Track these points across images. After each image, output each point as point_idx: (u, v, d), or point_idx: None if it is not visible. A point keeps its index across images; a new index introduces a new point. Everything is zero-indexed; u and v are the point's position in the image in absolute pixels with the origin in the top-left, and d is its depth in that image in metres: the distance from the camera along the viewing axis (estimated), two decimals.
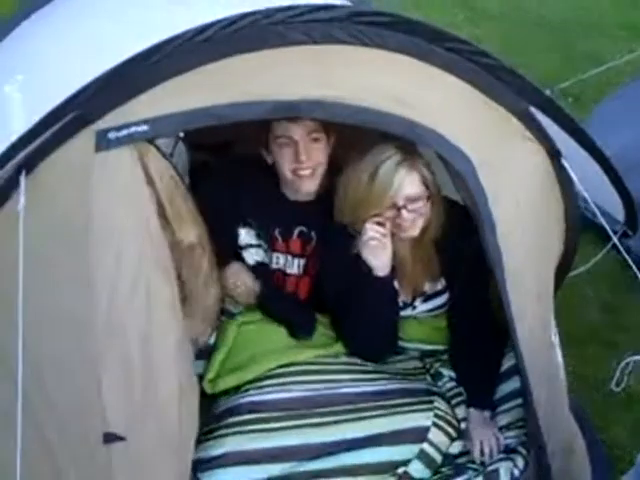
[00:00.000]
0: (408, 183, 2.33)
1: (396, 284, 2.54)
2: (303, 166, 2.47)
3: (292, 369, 2.46)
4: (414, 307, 2.60)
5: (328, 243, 2.56)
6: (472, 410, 2.41)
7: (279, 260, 2.63)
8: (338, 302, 2.53)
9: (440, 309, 2.62)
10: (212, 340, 2.50)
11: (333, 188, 2.48)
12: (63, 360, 1.94)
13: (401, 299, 2.57)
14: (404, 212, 2.34)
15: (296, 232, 2.62)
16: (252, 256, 2.62)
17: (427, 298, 2.60)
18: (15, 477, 1.83)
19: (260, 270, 2.60)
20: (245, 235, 2.61)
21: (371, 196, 2.33)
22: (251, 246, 2.63)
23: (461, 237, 2.38)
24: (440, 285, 2.59)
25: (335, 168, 2.50)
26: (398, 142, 2.29)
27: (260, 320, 2.59)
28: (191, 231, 2.20)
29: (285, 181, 2.55)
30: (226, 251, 2.56)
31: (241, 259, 2.61)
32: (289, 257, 2.64)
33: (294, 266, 2.64)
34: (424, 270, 2.55)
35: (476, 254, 2.25)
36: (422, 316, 2.63)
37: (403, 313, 2.59)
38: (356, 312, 2.48)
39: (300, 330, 2.57)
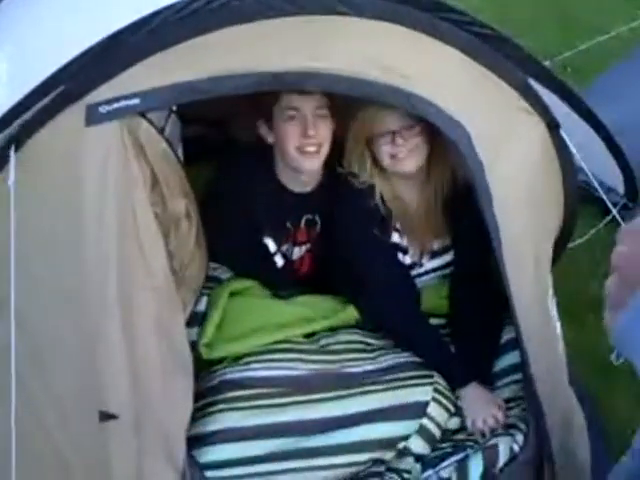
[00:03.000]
0: (397, 112, 2.36)
1: (405, 241, 2.58)
2: (311, 141, 2.42)
3: (292, 346, 2.48)
4: (421, 265, 2.63)
5: (341, 215, 2.57)
6: (470, 385, 2.41)
7: (284, 251, 2.67)
8: (351, 275, 2.55)
9: (445, 269, 2.65)
10: (203, 307, 2.50)
11: (330, 180, 2.53)
12: (58, 336, 1.96)
13: (410, 258, 2.60)
14: (398, 138, 2.38)
15: (303, 221, 2.65)
16: (281, 260, 2.66)
17: (434, 255, 2.63)
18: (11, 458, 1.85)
19: (287, 265, 2.66)
20: (272, 244, 2.63)
21: (366, 117, 2.39)
22: (277, 252, 2.66)
23: (467, 197, 2.38)
24: (446, 242, 2.62)
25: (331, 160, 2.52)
26: None
27: (251, 288, 2.61)
28: (180, 202, 2.21)
29: (287, 162, 2.51)
30: (257, 259, 2.63)
31: (272, 262, 2.64)
32: (295, 247, 2.67)
33: (298, 251, 2.69)
34: (431, 225, 2.59)
35: (480, 218, 2.26)
36: (428, 281, 2.65)
37: (412, 273, 2.62)
38: (370, 280, 2.52)
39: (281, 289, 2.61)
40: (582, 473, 2.28)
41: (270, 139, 2.49)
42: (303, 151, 2.44)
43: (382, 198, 2.51)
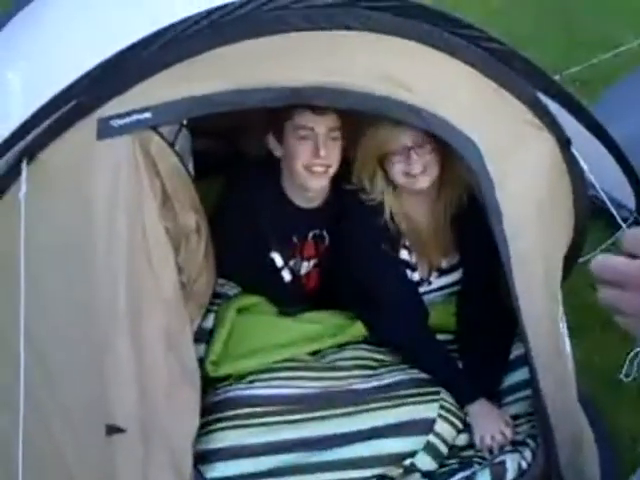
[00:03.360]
0: (412, 129, 2.35)
1: (414, 258, 2.59)
2: (320, 162, 2.43)
3: (298, 364, 2.49)
4: (430, 282, 2.64)
5: (350, 232, 2.57)
6: (478, 401, 2.40)
7: (292, 265, 2.67)
8: (359, 291, 2.56)
9: (454, 287, 2.65)
10: (210, 324, 2.51)
11: (337, 196, 2.55)
12: (66, 347, 1.97)
13: (418, 275, 2.61)
14: (412, 154, 2.39)
15: (310, 236, 2.66)
16: (288, 275, 2.67)
17: (442, 273, 2.64)
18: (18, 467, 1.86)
19: (295, 280, 2.67)
20: (279, 258, 2.64)
21: (380, 134, 2.39)
22: (284, 267, 2.66)
23: (476, 214, 2.38)
24: (454, 261, 2.63)
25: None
26: None
27: (258, 305, 2.62)
28: (191, 217, 2.23)
29: (293, 179, 2.51)
30: (264, 274, 2.64)
31: (279, 277, 2.65)
32: (303, 262, 2.68)
33: (306, 266, 2.69)
34: (439, 243, 2.60)
35: (488, 234, 2.26)
36: (436, 298, 2.66)
37: (420, 290, 2.63)
38: (379, 296, 2.53)
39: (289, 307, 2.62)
40: None
41: (278, 153, 2.50)
42: (311, 170, 2.44)
43: (392, 215, 2.52)
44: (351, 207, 2.55)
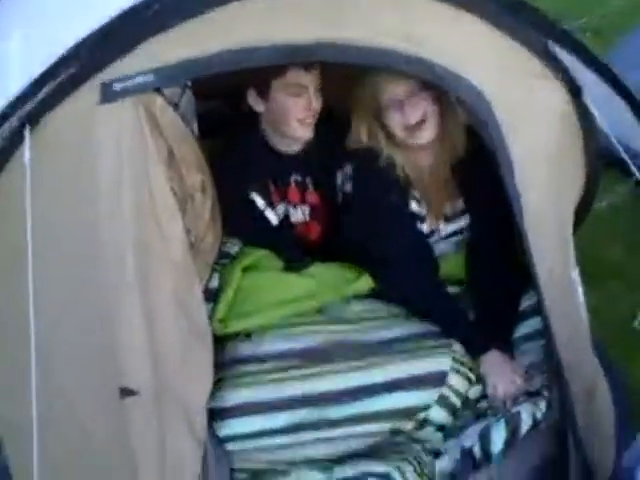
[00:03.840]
0: (403, 79, 2.39)
1: (423, 209, 2.60)
2: (311, 114, 2.55)
3: (305, 319, 2.51)
4: (439, 231, 2.65)
5: (360, 192, 2.60)
6: (489, 352, 2.41)
7: (279, 210, 2.72)
8: (370, 247, 2.58)
9: (462, 234, 2.67)
10: (216, 283, 2.52)
11: (320, 138, 2.60)
12: (77, 313, 1.99)
13: (427, 226, 2.63)
14: (406, 104, 2.42)
15: (292, 181, 2.72)
16: (274, 215, 2.71)
17: (448, 219, 2.66)
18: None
19: (285, 225, 2.71)
20: (260, 199, 2.69)
21: (371, 86, 2.44)
22: (272, 208, 2.71)
23: (479, 161, 2.39)
24: (459, 207, 2.65)
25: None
26: None
27: (263, 264, 2.63)
28: (196, 177, 2.25)
29: (282, 131, 2.61)
30: (244, 215, 2.68)
31: (266, 221, 2.70)
32: (290, 207, 2.73)
33: (298, 214, 2.74)
34: (443, 189, 2.62)
35: (494, 178, 2.26)
36: (447, 248, 2.68)
37: (430, 240, 2.64)
38: (388, 251, 2.55)
39: (293, 260, 2.64)
40: (606, 439, 2.28)
41: (260, 108, 2.58)
42: (304, 122, 2.55)
43: (402, 168, 2.53)
44: (362, 165, 2.57)
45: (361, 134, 2.54)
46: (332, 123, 2.62)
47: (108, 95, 1.84)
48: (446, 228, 2.66)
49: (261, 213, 2.70)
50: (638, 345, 2.79)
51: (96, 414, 2.05)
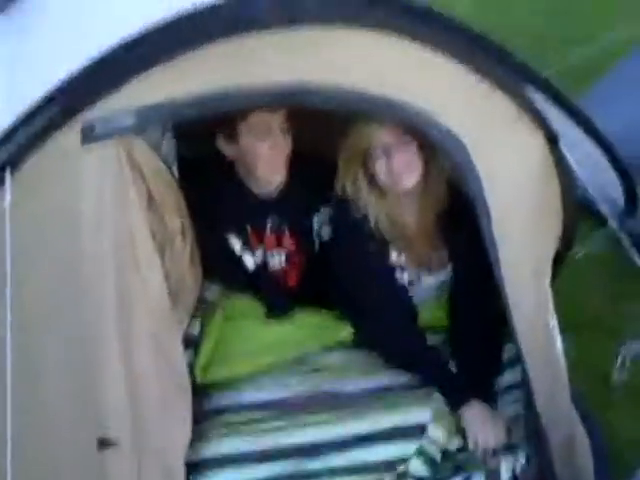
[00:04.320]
0: (390, 126, 2.40)
1: (403, 258, 2.61)
2: (278, 155, 2.55)
3: (288, 367, 2.53)
4: (420, 281, 2.66)
5: (337, 243, 2.62)
6: (471, 403, 2.42)
7: (258, 255, 2.73)
8: (349, 298, 2.60)
9: (444, 285, 2.68)
10: (196, 330, 2.54)
11: (295, 183, 2.62)
12: (55, 355, 1.98)
13: (408, 275, 2.63)
14: (393, 150, 2.42)
15: (269, 226, 2.71)
16: (252, 260, 2.71)
17: (431, 270, 2.67)
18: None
19: (259, 272, 2.71)
20: (237, 243, 2.70)
21: (360, 133, 2.43)
22: (248, 253, 2.71)
23: (462, 210, 2.42)
24: (443, 258, 2.66)
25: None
26: None
27: (244, 312, 2.65)
28: (176, 220, 2.28)
29: (255, 175, 2.61)
30: (221, 259, 2.68)
31: (243, 266, 2.71)
32: (267, 252, 2.73)
33: (275, 260, 2.74)
34: (428, 241, 2.63)
35: (476, 228, 2.29)
36: (427, 296, 2.69)
37: (410, 289, 2.66)
38: (367, 305, 2.57)
39: (275, 307, 2.65)
40: None
41: (230, 153, 2.58)
42: (272, 165, 2.55)
43: (377, 222, 2.54)
44: (339, 216, 2.59)
45: (346, 181, 2.53)
46: (311, 166, 2.62)
47: (90, 136, 1.85)
48: (428, 279, 2.68)
49: (239, 257, 2.71)
50: (616, 395, 2.81)
51: (74, 464, 2.03)
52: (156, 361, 2.08)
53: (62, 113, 1.84)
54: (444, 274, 2.68)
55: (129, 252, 1.99)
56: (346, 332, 2.60)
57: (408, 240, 2.61)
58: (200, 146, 2.61)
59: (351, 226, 2.55)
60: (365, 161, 2.49)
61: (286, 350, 2.55)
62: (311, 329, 2.62)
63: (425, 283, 2.67)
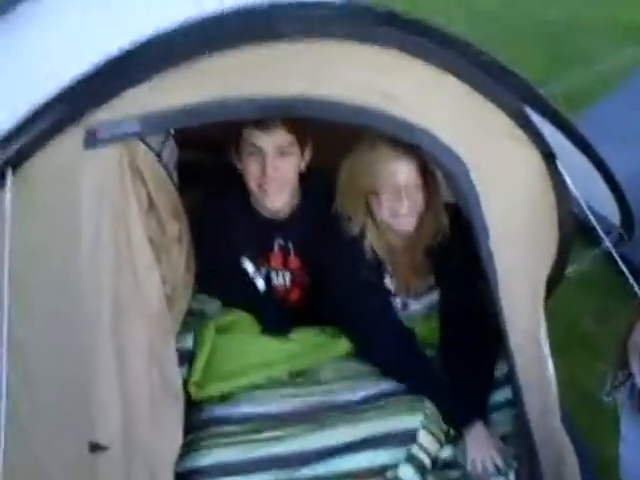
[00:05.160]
0: (406, 168, 2.41)
1: (392, 285, 2.64)
2: (268, 180, 2.47)
3: (281, 382, 2.54)
4: (407, 307, 2.69)
5: (332, 262, 2.61)
6: (474, 425, 2.43)
7: (262, 274, 2.73)
8: (344, 315, 2.62)
9: (432, 309, 2.70)
10: (190, 344, 2.54)
11: (307, 201, 2.58)
12: (50, 359, 1.99)
13: (398, 300, 2.67)
14: (403, 194, 2.42)
15: (276, 245, 2.69)
16: (262, 284, 2.71)
17: (418, 296, 2.70)
18: None
19: (268, 290, 2.70)
20: (251, 266, 2.69)
21: (371, 168, 2.42)
22: (256, 276, 2.71)
23: (451, 236, 2.49)
24: (430, 283, 2.69)
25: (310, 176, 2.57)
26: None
27: (238, 324, 2.66)
28: (174, 227, 2.29)
29: (252, 194, 2.57)
30: (237, 282, 2.68)
31: (254, 287, 2.70)
32: (272, 271, 2.72)
33: (279, 279, 2.73)
34: (416, 268, 2.66)
35: (466, 253, 2.34)
36: (415, 317, 2.71)
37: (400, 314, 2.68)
38: (362, 326, 2.58)
39: (272, 326, 2.65)
40: None
41: (239, 167, 2.54)
42: (263, 188, 2.49)
43: (372, 246, 2.57)
44: (336, 237, 2.58)
45: (348, 208, 2.54)
46: (320, 185, 2.58)
47: (92, 141, 1.86)
48: (414, 305, 2.71)
49: (251, 279, 2.70)
50: (605, 416, 2.84)
51: (64, 468, 2.03)
52: (149, 367, 2.10)
53: (66, 116, 1.86)
54: (430, 299, 2.71)
55: (127, 257, 2.00)
56: (342, 347, 2.62)
57: (397, 266, 2.64)
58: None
59: (348, 243, 2.56)
60: (368, 190, 2.49)
61: (282, 366, 2.57)
62: (307, 346, 2.63)
63: (412, 309, 2.71)
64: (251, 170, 2.47)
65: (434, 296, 2.71)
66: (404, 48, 2.04)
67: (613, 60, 4.46)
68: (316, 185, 2.58)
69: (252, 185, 2.50)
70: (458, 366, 2.55)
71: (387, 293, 2.65)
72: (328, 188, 2.56)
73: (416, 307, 2.71)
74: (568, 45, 5.31)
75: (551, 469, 2.32)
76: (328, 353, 2.63)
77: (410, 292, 2.70)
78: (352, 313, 2.59)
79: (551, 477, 2.32)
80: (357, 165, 2.47)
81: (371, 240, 2.57)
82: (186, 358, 2.47)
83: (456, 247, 2.51)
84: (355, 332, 2.61)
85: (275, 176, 2.46)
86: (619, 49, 4.73)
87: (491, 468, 2.36)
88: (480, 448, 2.40)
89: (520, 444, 2.38)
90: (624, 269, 2.43)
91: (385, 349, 2.57)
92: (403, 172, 2.42)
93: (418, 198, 2.47)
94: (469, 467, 2.38)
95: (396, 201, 2.45)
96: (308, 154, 2.55)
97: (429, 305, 2.72)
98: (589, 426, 2.80)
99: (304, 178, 2.59)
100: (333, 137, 2.36)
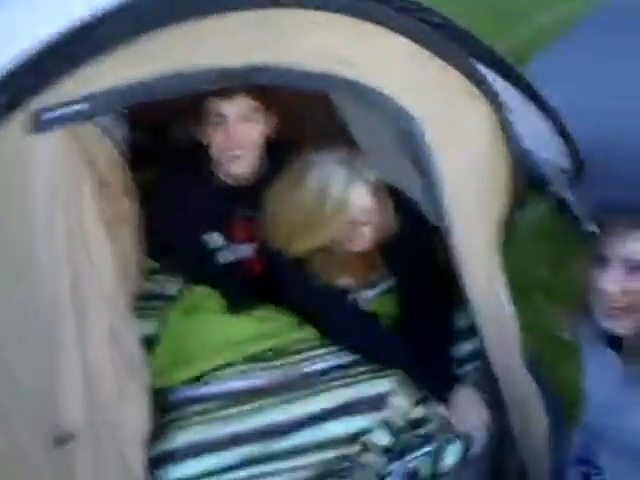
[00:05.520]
0: (361, 197, 2.39)
1: (345, 281, 2.65)
2: (234, 146, 2.49)
3: (249, 360, 2.54)
4: (359, 296, 2.70)
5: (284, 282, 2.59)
6: (460, 389, 2.44)
7: (227, 247, 2.72)
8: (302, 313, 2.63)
9: (385, 294, 2.72)
10: (153, 329, 2.55)
11: (271, 171, 2.54)
12: (20, 350, 1.97)
13: (352, 294, 2.68)
14: (363, 228, 2.42)
15: (239, 216, 2.68)
16: (224, 256, 2.70)
17: (372, 286, 2.72)
18: None
19: (231, 263, 2.69)
20: (212, 239, 2.68)
21: (324, 220, 2.37)
22: (220, 248, 2.69)
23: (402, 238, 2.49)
24: (382, 272, 2.71)
25: (276, 148, 2.55)
26: (336, 155, 2.38)
27: (203, 305, 2.65)
28: (124, 203, 2.28)
29: (218, 163, 2.57)
30: (199, 255, 2.66)
31: (214, 261, 2.69)
32: (238, 244, 2.71)
33: (243, 251, 2.73)
34: (368, 264, 2.67)
35: (414, 234, 2.41)
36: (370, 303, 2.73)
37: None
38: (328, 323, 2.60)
39: (236, 301, 2.65)
40: (541, 446, 2.40)
41: (204, 140, 2.55)
42: (228, 155, 2.51)
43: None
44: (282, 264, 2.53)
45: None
46: (287, 153, 2.53)
47: (39, 125, 1.81)
48: (369, 293, 2.72)
49: (214, 253, 2.69)
50: (565, 353, 2.90)
51: (44, 452, 2.02)
52: (111, 350, 2.08)
53: (9, 102, 1.80)
54: (384, 286, 2.73)
55: (79, 237, 1.97)
56: (310, 332, 2.63)
57: (349, 267, 2.64)
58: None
59: (293, 265, 2.52)
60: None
61: (250, 345, 2.57)
62: (275, 326, 2.63)
63: (365, 296, 2.71)
64: (217, 139, 2.50)
65: (388, 283, 2.72)
66: (357, 14, 2.03)
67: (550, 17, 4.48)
68: (283, 157, 2.55)
69: (218, 154, 2.52)
70: (422, 344, 2.51)
71: (343, 292, 2.65)
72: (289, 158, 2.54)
73: (369, 294, 2.73)
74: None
75: (517, 410, 2.37)
76: (297, 335, 2.63)
77: (364, 284, 2.71)
78: (309, 312, 2.61)
79: (518, 420, 2.37)
80: (300, 214, 2.39)
81: (318, 267, 2.55)
82: (151, 343, 2.47)
83: (405, 233, 2.51)
84: (316, 326, 2.62)
85: (240, 141, 2.49)
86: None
87: (480, 425, 2.36)
88: (468, 410, 2.38)
89: (486, 391, 2.42)
90: (578, 213, 2.48)
91: (351, 340, 2.57)
92: (359, 207, 2.40)
93: (372, 228, 2.46)
94: (458, 428, 2.37)
95: (352, 235, 2.44)
96: (272, 120, 2.56)
97: (383, 290, 2.74)
98: (550, 364, 2.84)
99: (272, 151, 2.60)
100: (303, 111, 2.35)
